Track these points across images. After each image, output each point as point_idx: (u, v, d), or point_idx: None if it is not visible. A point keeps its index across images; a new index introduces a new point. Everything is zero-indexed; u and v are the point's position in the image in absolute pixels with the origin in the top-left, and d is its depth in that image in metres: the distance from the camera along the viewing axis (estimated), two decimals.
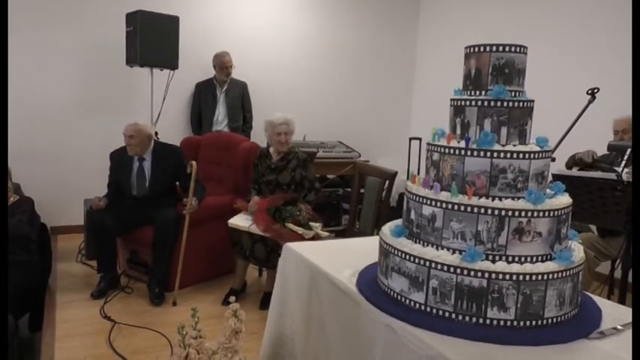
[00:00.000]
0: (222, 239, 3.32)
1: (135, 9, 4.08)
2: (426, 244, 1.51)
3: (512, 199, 1.44)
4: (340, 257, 1.96)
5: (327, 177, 5.19)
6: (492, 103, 1.50)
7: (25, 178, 3.98)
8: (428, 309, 1.45)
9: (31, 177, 4.14)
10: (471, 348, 1.31)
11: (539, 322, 1.40)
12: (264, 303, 3.15)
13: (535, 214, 1.41)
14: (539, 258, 1.43)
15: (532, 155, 1.47)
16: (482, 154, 1.46)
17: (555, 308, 1.41)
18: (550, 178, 1.63)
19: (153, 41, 4.07)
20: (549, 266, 1.40)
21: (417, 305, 1.47)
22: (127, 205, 3.43)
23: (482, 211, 1.41)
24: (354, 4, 5.67)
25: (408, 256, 1.49)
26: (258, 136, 4.93)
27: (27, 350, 2.72)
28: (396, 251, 1.54)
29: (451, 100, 1.61)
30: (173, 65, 4.26)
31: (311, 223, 3.15)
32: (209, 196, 3.43)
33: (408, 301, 1.50)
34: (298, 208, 3.17)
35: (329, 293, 1.80)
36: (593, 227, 3.14)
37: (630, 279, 2.29)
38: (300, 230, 3.04)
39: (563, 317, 1.44)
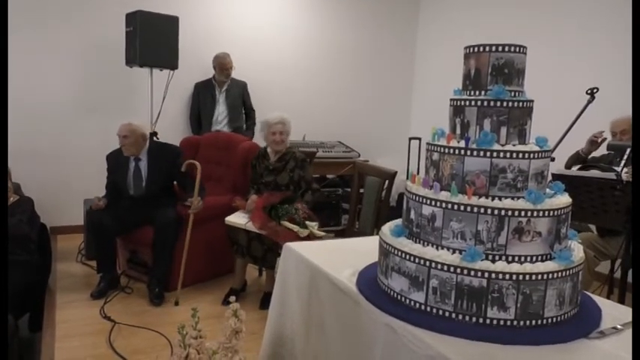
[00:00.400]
0: (221, 239, 3.33)
1: (134, 9, 4.09)
2: (425, 243, 1.51)
3: (512, 198, 1.44)
4: (340, 257, 1.96)
5: (326, 177, 5.19)
6: (492, 103, 1.50)
7: (24, 178, 3.98)
8: (428, 309, 1.45)
9: (30, 177, 4.14)
10: (471, 348, 1.31)
11: (539, 322, 1.40)
12: (264, 303, 3.16)
13: (535, 213, 1.41)
14: (539, 258, 1.43)
15: (532, 155, 1.47)
16: (481, 153, 1.46)
17: (555, 308, 1.41)
18: (550, 177, 1.63)
19: (152, 41, 4.07)
20: (549, 266, 1.40)
21: (417, 305, 1.47)
22: (125, 205, 3.43)
23: (482, 210, 1.41)
24: (354, 4, 5.67)
25: (408, 256, 1.49)
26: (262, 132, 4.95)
27: (27, 350, 2.72)
28: (396, 251, 1.54)
29: (451, 100, 1.61)
30: (173, 65, 4.26)
31: (307, 222, 3.15)
32: (209, 196, 3.43)
33: (408, 301, 1.50)
34: (295, 207, 3.18)
35: (329, 293, 1.80)
36: (593, 227, 3.15)
37: (630, 278, 2.29)
38: (295, 228, 3.04)
39: (562, 317, 1.44)
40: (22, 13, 4.32)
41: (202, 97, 4.84)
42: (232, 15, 5.11)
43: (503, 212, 1.40)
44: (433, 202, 1.49)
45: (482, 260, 1.40)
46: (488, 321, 1.39)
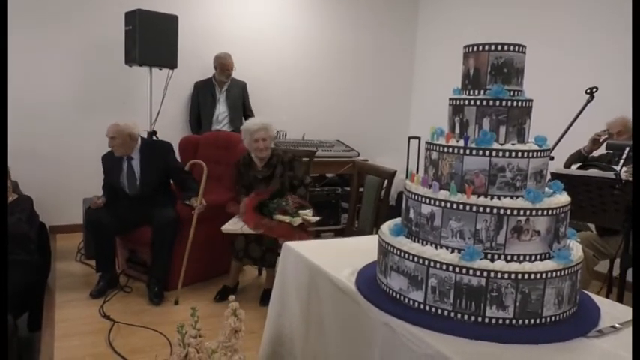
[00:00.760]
0: (220, 238, 3.32)
1: (134, 8, 4.08)
2: (424, 242, 1.51)
3: (511, 197, 1.44)
4: (339, 256, 1.96)
5: (326, 176, 5.19)
6: (491, 103, 1.50)
7: (24, 177, 3.98)
8: (427, 308, 1.45)
9: (30, 176, 4.14)
10: (470, 346, 1.31)
11: (538, 321, 1.40)
12: (264, 299, 3.17)
13: (533, 212, 1.41)
14: (538, 257, 1.43)
15: (531, 154, 1.47)
16: (480, 153, 1.46)
17: (554, 307, 1.42)
18: (548, 177, 1.63)
19: (152, 40, 4.07)
20: (548, 265, 1.40)
21: (416, 304, 1.48)
22: (123, 204, 3.44)
23: (481, 209, 1.42)
24: (354, 3, 5.67)
25: (407, 255, 1.49)
26: None
27: (26, 349, 2.72)
28: (395, 250, 1.54)
29: (450, 99, 1.61)
30: (172, 64, 4.26)
31: (300, 211, 3.14)
32: (210, 195, 3.43)
33: (407, 300, 1.50)
34: (284, 200, 3.16)
35: (328, 292, 1.80)
36: (592, 226, 3.15)
37: (629, 277, 2.30)
38: (287, 219, 3.04)
39: (561, 316, 1.44)
40: (22, 12, 4.31)
41: (202, 96, 4.84)
42: (232, 14, 5.10)
43: (502, 211, 1.41)
44: (432, 202, 1.49)
45: (481, 259, 1.40)
46: (487, 320, 1.39)
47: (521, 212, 1.41)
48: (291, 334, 2.05)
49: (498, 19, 4.92)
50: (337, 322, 1.75)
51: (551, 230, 1.45)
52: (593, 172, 2.49)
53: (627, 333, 1.39)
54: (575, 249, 1.52)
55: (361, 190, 3.53)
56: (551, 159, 1.80)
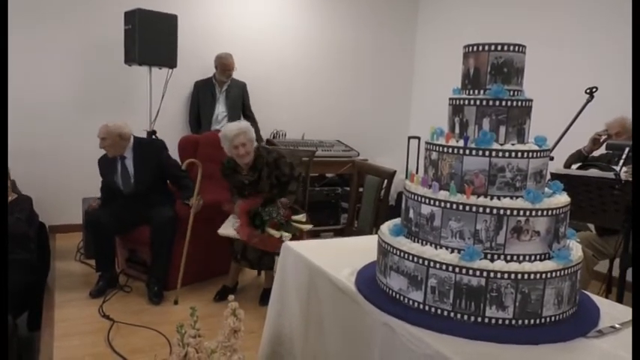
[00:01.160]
0: (219, 238, 3.32)
1: (133, 7, 4.08)
2: (424, 243, 1.51)
3: (511, 198, 1.44)
4: (339, 256, 1.96)
5: (325, 175, 5.19)
6: (491, 103, 1.50)
7: (24, 176, 3.98)
8: (426, 308, 1.45)
9: (30, 175, 4.14)
10: (470, 347, 1.31)
11: (538, 321, 1.40)
12: (263, 299, 3.17)
13: (533, 213, 1.41)
14: (538, 257, 1.43)
15: (530, 154, 1.47)
16: (480, 153, 1.46)
17: (553, 307, 1.41)
18: (548, 177, 1.63)
19: (151, 40, 4.06)
20: (548, 265, 1.40)
21: (416, 304, 1.47)
22: (121, 204, 3.45)
23: (481, 210, 1.41)
24: (354, 3, 5.67)
25: (406, 255, 1.49)
26: (262, 131, 4.97)
27: (26, 349, 2.72)
28: (394, 250, 1.54)
29: (450, 99, 1.61)
30: (172, 64, 4.26)
31: (293, 217, 3.11)
32: (207, 195, 3.43)
33: (406, 300, 1.50)
34: (276, 208, 3.09)
35: (328, 292, 1.80)
36: (592, 226, 3.15)
37: (628, 277, 2.30)
38: (277, 234, 2.98)
39: (561, 316, 1.44)
40: (22, 12, 4.31)
41: (202, 95, 4.84)
42: (231, 14, 5.10)
43: (501, 211, 1.40)
44: (432, 202, 1.49)
45: (480, 259, 1.40)
46: (486, 320, 1.39)
47: (521, 212, 1.41)
48: (290, 334, 2.05)
49: (498, 19, 4.92)
50: (337, 322, 1.74)
51: (551, 230, 1.44)
52: (593, 172, 2.49)
53: (627, 333, 1.39)
54: (575, 249, 1.51)
55: (361, 189, 3.52)
56: (551, 159, 1.80)
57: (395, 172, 3.27)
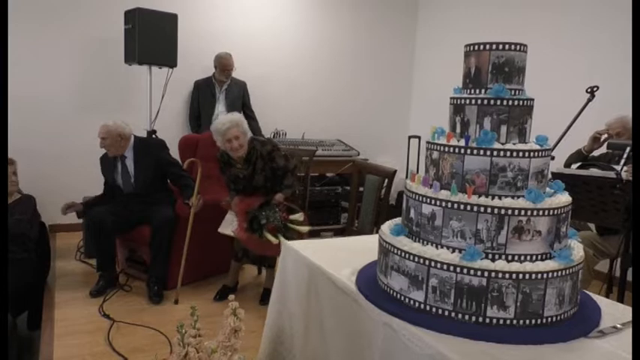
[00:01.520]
0: (219, 238, 3.31)
1: (133, 7, 4.07)
2: (425, 242, 1.51)
3: (512, 197, 1.44)
4: (339, 256, 1.96)
5: (325, 175, 5.19)
6: (492, 102, 1.50)
7: (24, 175, 3.94)
8: (427, 308, 1.45)
9: (29, 175, 4.12)
10: (471, 347, 1.31)
11: (539, 321, 1.40)
12: (264, 298, 3.17)
13: (535, 212, 1.41)
14: (539, 257, 1.43)
15: (532, 154, 1.46)
16: (482, 152, 1.46)
17: (555, 307, 1.41)
18: (549, 176, 1.62)
19: (151, 39, 4.06)
20: (549, 265, 1.40)
21: (417, 304, 1.47)
22: (123, 203, 3.45)
23: (482, 209, 1.41)
24: (353, 3, 5.66)
25: (407, 255, 1.49)
26: (262, 131, 4.97)
27: (26, 348, 2.72)
28: (395, 250, 1.53)
29: (451, 98, 1.61)
30: (172, 63, 4.25)
31: (290, 217, 3.05)
32: (207, 194, 3.43)
33: (407, 300, 1.50)
34: (273, 211, 3.02)
35: (328, 292, 1.79)
36: (592, 225, 3.14)
37: (629, 277, 2.29)
38: (275, 241, 2.91)
39: (562, 316, 1.44)
40: (22, 11, 4.30)
41: (202, 95, 4.84)
42: (232, 14, 5.09)
43: (503, 211, 1.40)
44: (433, 201, 1.48)
45: (481, 259, 1.39)
46: (487, 320, 1.39)
47: (523, 212, 1.40)
48: (291, 333, 2.04)
49: (498, 19, 4.92)
50: (337, 322, 1.74)
51: (553, 230, 1.44)
52: (593, 172, 2.48)
53: (628, 333, 1.39)
54: (577, 249, 1.51)
55: (361, 189, 3.52)
56: (552, 158, 1.79)
57: (395, 171, 3.27)
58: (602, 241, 2.97)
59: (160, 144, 3.58)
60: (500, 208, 1.40)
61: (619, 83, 3.48)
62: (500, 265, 1.38)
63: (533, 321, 1.39)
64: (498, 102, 1.49)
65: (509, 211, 1.40)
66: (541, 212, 1.41)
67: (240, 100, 4.90)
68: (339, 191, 5.13)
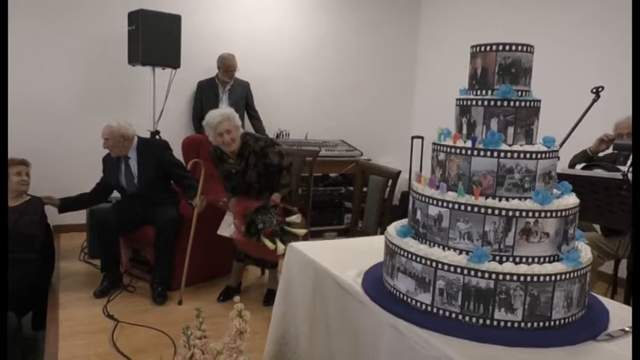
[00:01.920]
0: (222, 239, 3.31)
1: (137, 8, 4.07)
2: (432, 244, 1.50)
3: (520, 199, 1.43)
4: (345, 257, 1.96)
5: (329, 175, 5.19)
6: (499, 103, 1.49)
7: None
8: (434, 310, 1.44)
9: (33, 175, 4.12)
10: (478, 349, 1.30)
11: (547, 324, 1.39)
12: (267, 299, 3.16)
13: (542, 214, 1.40)
14: (547, 259, 1.42)
15: (539, 155, 1.45)
16: (488, 154, 1.45)
17: (563, 310, 1.40)
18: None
19: (155, 40, 4.06)
20: (557, 267, 1.39)
21: (424, 306, 1.46)
22: (127, 204, 3.46)
23: (489, 211, 1.40)
24: (356, 3, 5.65)
25: (414, 257, 1.48)
26: (268, 131, 4.97)
27: (31, 349, 2.72)
28: (402, 251, 1.53)
29: (457, 99, 1.60)
30: (175, 64, 4.25)
31: (287, 219, 3.00)
32: (210, 195, 3.42)
33: (414, 302, 1.49)
34: (270, 215, 2.97)
35: (334, 293, 1.79)
36: (597, 226, 3.13)
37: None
38: (272, 247, 2.88)
39: (570, 318, 1.43)
40: (26, 12, 4.31)
41: (206, 95, 4.84)
42: (235, 14, 5.09)
43: (510, 213, 1.39)
44: (440, 203, 1.48)
45: (489, 261, 1.38)
46: (495, 323, 1.38)
47: (530, 214, 1.39)
48: (296, 335, 2.04)
49: (501, 19, 4.90)
50: (343, 323, 1.74)
51: (560, 232, 1.43)
52: (599, 173, 2.47)
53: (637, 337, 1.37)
54: (584, 251, 1.50)
55: (365, 189, 3.51)
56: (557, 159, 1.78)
57: (400, 172, 3.26)
58: (607, 242, 2.96)
59: (163, 145, 3.59)
60: (507, 209, 1.39)
61: (624, 83, 3.45)
62: (508, 267, 1.37)
63: (541, 324, 1.39)
64: (505, 103, 1.49)
65: (517, 213, 1.39)
66: (549, 214, 1.40)
67: (243, 100, 4.91)
68: (342, 192, 5.13)
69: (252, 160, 3.12)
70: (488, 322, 1.38)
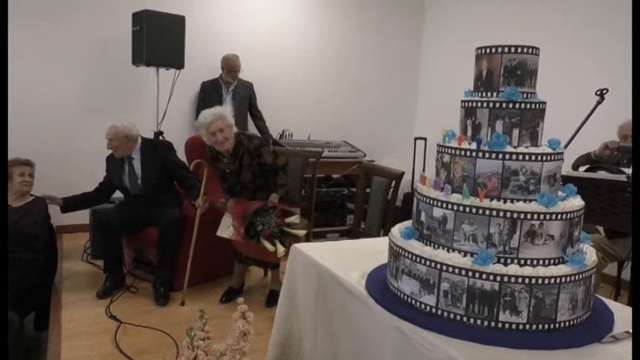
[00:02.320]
0: (224, 239, 3.31)
1: (141, 8, 4.08)
2: (437, 246, 1.50)
3: (524, 201, 1.43)
4: (348, 259, 1.95)
5: (331, 176, 5.18)
6: (504, 105, 1.49)
7: None
8: (439, 312, 1.44)
9: (36, 176, 4.14)
10: (483, 352, 1.30)
11: (552, 326, 1.39)
12: (270, 300, 3.16)
13: (547, 216, 1.40)
14: (552, 261, 1.42)
15: (544, 157, 1.45)
16: (493, 156, 1.45)
17: (568, 312, 1.40)
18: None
19: (159, 41, 4.07)
20: (562, 270, 1.39)
21: (428, 308, 1.46)
22: (130, 204, 3.46)
23: (494, 213, 1.40)
24: (360, 4, 5.65)
25: (418, 259, 1.48)
26: (270, 131, 4.97)
27: (33, 349, 2.72)
28: (406, 253, 1.53)
29: (462, 101, 1.60)
30: (179, 65, 4.26)
31: (286, 220, 2.99)
32: (213, 196, 3.42)
33: (418, 304, 1.49)
34: (269, 216, 2.95)
35: (337, 295, 1.79)
36: (600, 228, 3.12)
37: None
38: (272, 249, 2.87)
39: (575, 321, 1.42)
40: (29, 12, 4.32)
41: (209, 96, 4.84)
42: (238, 15, 5.10)
43: (515, 215, 1.39)
44: (444, 205, 1.47)
45: (494, 263, 1.38)
46: (500, 325, 1.38)
47: (535, 216, 1.39)
48: (299, 336, 2.04)
49: (505, 20, 4.90)
50: (346, 325, 1.73)
51: (565, 234, 1.43)
52: (603, 175, 2.46)
53: None
54: (589, 253, 1.50)
55: (367, 190, 3.51)
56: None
57: (403, 173, 3.25)
58: (611, 244, 2.95)
59: (167, 145, 3.59)
60: (512, 212, 1.39)
61: (628, 86, 3.44)
62: (513, 269, 1.37)
63: (546, 326, 1.38)
64: (510, 105, 1.49)
65: (522, 215, 1.39)
66: (554, 216, 1.40)
67: (246, 101, 4.91)
68: (345, 193, 5.12)
69: (247, 160, 3.11)
70: (492, 324, 1.38)
